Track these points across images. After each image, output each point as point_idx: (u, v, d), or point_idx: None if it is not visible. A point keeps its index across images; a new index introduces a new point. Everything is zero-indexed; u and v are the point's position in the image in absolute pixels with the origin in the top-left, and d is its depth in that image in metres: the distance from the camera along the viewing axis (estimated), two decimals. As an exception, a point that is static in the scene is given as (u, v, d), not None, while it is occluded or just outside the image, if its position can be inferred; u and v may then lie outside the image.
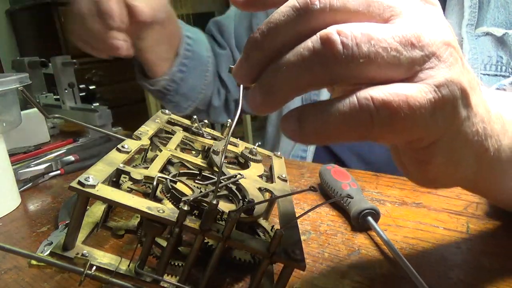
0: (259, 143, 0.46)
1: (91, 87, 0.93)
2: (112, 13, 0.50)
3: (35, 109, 0.75)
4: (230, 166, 0.42)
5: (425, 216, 0.41)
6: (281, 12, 0.21)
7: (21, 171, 0.57)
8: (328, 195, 0.47)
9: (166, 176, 0.30)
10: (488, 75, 0.54)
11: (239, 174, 0.34)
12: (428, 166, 0.24)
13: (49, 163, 0.60)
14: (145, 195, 0.36)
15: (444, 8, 0.57)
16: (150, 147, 0.41)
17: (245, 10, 0.24)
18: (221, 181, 0.31)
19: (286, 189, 0.38)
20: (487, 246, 0.35)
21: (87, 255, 0.25)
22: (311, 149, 0.69)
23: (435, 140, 0.22)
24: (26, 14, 2.25)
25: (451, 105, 0.21)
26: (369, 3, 0.21)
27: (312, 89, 0.21)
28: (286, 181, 0.40)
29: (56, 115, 0.39)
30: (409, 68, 0.20)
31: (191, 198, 0.26)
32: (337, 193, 0.44)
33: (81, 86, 0.90)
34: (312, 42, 0.20)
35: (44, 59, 0.90)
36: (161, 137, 0.44)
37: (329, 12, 0.20)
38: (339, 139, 0.21)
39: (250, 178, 0.36)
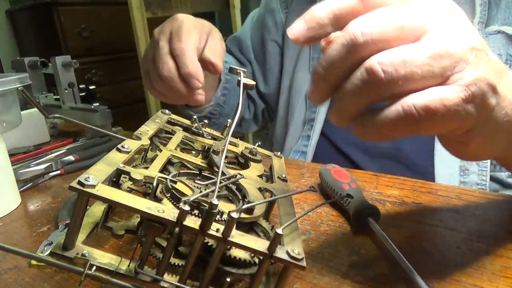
0: (259, 143, 0.46)
1: (91, 87, 0.93)
2: (197, 77, 0.52)
3: (35, 109, 0.75)
4: (230, 166, 0.42)
5: (425, 216, 0.41)
6: (334, 49, 0.26)
7: (21, 171, 0.57)
8: (328, 195, 0.47)
9: (166, 176, 0.30)
10: None
11: (239, 174, 0.34)
12: (467, 147, 0.29)
13: (49, 163, 0.60)
14: (145, 195, 0.36)
15: None
16: (150, 147, 0.41)
17: (303, 45, 0.29)
18: (221, 181, 0.31)
19: (286, 189, 0.38)
20: (487, 246, 0.35)
21: (87, 255, 0.25)
22: (312, 144, 0.71)
23: (470, 128, 0.27)
24: (26, 14, 2.25)
25: (480, 98, 0.25)
26: (402, 28, 0.24)
27: (369, 106, 0.26)
28: (286, 181, 0.40)
29: (56, 115, 0.39)
30: (441, 75, 0.24)
31: (191, 198, 0.26)
32: (337, 193, 0.44)
33: (81, 86, 0.90)
34: (360, 73, 0.25)
35: (44, 59, 0.90)
36: (161, 137, 0.44)
37: (371, 44, 0.24)
38: (394, 136, 0.26)
39: (250, 178, 0.36)
